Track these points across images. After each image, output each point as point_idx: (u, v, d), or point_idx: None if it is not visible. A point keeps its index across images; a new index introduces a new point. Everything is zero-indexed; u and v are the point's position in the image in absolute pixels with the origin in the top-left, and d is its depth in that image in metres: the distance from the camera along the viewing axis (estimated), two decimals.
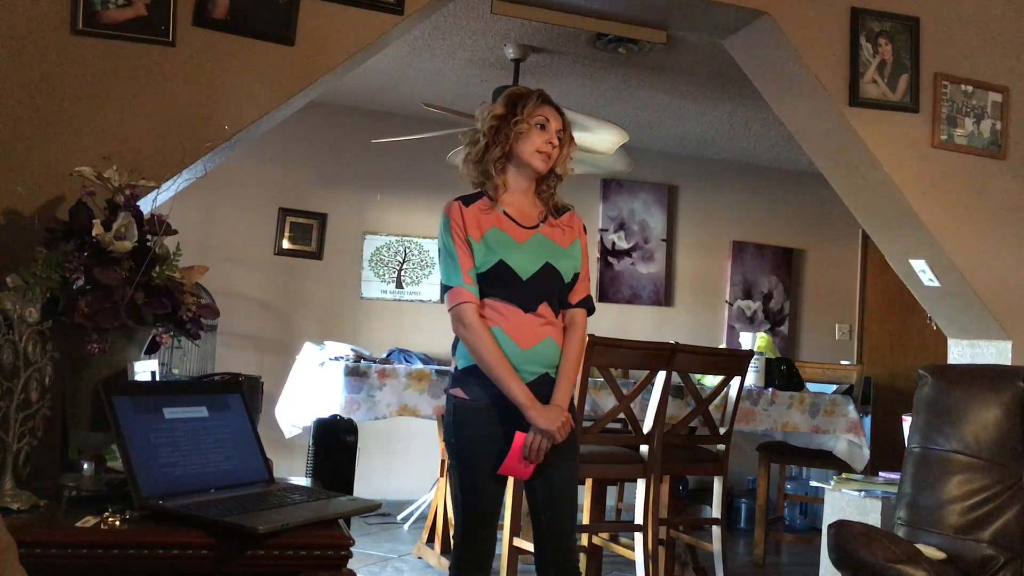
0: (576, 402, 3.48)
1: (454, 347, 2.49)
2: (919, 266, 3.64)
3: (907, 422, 2.64)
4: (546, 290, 2.40)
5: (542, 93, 2.48)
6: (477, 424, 2.40)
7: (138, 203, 2.12)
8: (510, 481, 3.01)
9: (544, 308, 2.40)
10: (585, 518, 4.08)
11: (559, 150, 2.45)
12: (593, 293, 2.92)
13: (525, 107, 2.42)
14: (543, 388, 2.40)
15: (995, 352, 3.62)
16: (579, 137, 3.96)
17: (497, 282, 2.38)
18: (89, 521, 1.63)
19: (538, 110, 2.43)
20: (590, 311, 2.52)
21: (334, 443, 2.57)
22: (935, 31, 3.50)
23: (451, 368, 3.90)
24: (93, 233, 1.96)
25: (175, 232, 2.11)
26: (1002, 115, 3.57)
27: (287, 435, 4.11)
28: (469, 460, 2.42)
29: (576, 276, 2.47)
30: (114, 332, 1.91)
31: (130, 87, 2.52)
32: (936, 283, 3.63)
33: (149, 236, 2.05)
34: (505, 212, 2.44)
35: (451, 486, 2.54)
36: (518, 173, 2.46)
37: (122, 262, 1.99)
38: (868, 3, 3.41)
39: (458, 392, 2.43)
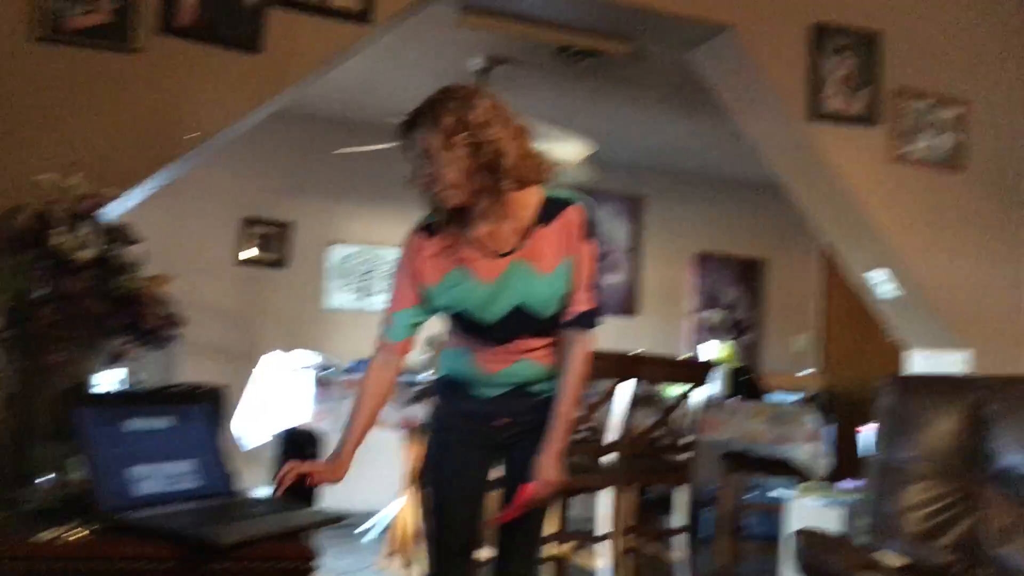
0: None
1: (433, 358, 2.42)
2: (879, 277, 3.70)
3: (864, 433, 2.68)
4: (517, 329, 2.11)
5: (402, 125, 2.06)
6: (449, 431, 2.24)
7: (101, 212, 2.10)
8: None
9: (518, 341, 2.12)
10: (550, 528, 4.08)
11: (439, 162, 1.98)
12: None
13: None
14: (518, 400, 2.17)
15: (952, 362, 3.68)
16: (545, 148, 3.96)
17: (462, 325, 2.16)
18: (50, 534, 1.61)
19: (408, 147, 2.05)
20: (592, 326, 2.13)
21: (297, 454, 2.55)
22: (896, 46, 3.56)
23: (417, 379, 3.90)
24: (55, 242, 1.94)
25: (138, 241, 2.09)
26: (961, 129, 3.64)
27: (250, 446, 4.07)
28: (435, 477, 2.25)
29: (565, 297, 2.10)
30: (76, 342, 1.89)
31: (93, 95, 2.49)
32: (895, 294, 3.69)
33: (112, 245, 2.03)
34: (474, 241, 2.09)
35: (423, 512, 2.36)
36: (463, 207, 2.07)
37: (85, 272, 1.96)
38: (830, 18, 3.47)
39: (436, 400, 2.33)
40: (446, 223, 2.09)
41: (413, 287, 2.13)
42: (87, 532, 1.62)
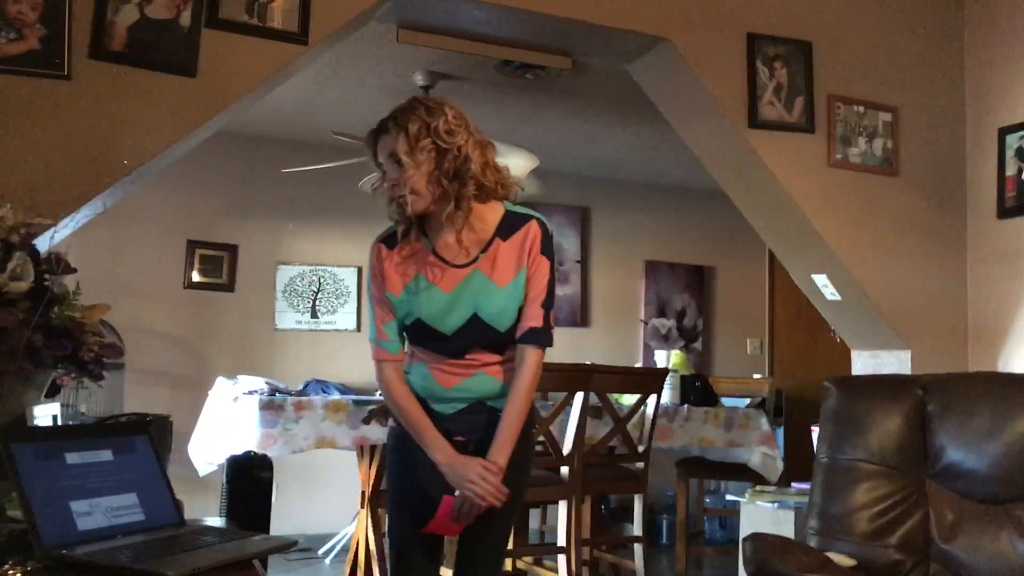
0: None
1: None
2: (821, 281, 3.77)
3: (817, 432, 2.72)
4: (474, 341, 2.13)
5: (370, 133, 2.13)
6: (406, 451, 2.20)
7: (34, 242, 2.05)
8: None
9: (474, 354, 2.14)
10: (508, 542, 4.07)
11: (407, 169, 2.03)
12: None
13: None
14: (477, 416, 2.16)
15: (895, 362, 3.76)
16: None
17: (419, 337, 2.17)
18: None
19: (375, 155, 2.12)
20: (542, 344, 2.16)
21: (248, 480, 2.52)
22: (827, 55, 3.64)
23: (369, 397, 3.87)
24: None
25: (74, 271, 2.05)
26: (892, 134, 3.73)
27: (202, 473, 4.01)
28: (396, 495, 2.24)
29: (520, 310, 2.13)
30: (11, 376, 1.85)
31: (24, 122, 2.45)
32: (837, 297, 3.76)
33: (47, 275, 1.99)
34: (433, 250, 2.14)
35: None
36: (425, 216, 2.14)
37: (18, 303, 1.92)
38: (763, 28, 3.53)
39: (391, 421, 2.29)
40: (406, 233, 2.13)
41: (384, 300, 2.16)
42: (29, 571, 1.58)
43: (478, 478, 2.07)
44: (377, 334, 2.19)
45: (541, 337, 2.15)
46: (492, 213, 2.14)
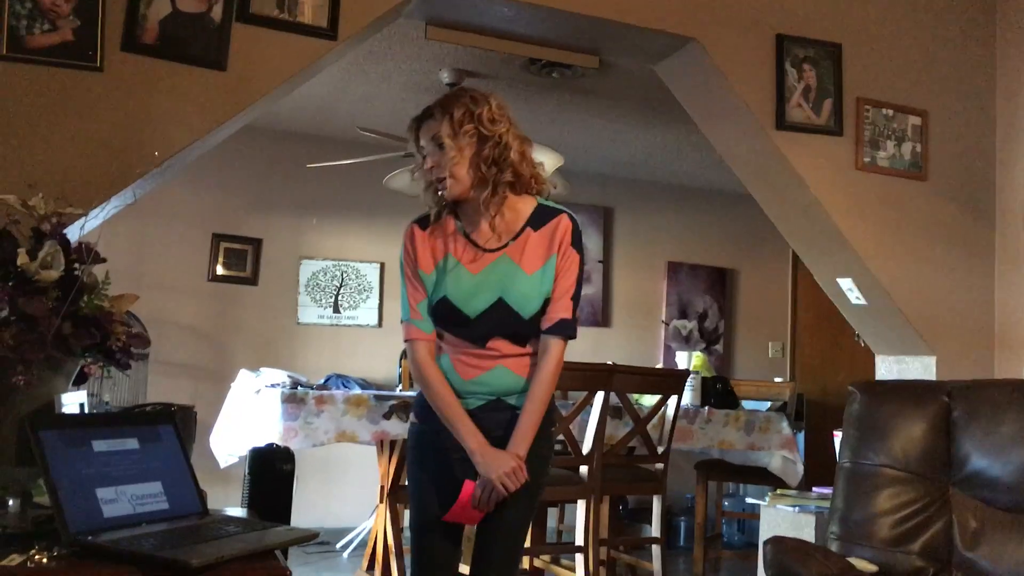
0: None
1: None
2: (846, 285, 3.74)
3: (839, 437, 2.70)
4: (497, 326, 2.15)
5: (414, 119, 2.21)
6: (426, 450, 2.23)
7: (65, 231, 2.08)
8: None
9: (496, 343, 2.16)
10: (526, 540, 4.08)
11: (448, 153, 2.10)
12: None
13: (414, 147, 2.21)
14: (497, 414, 2.18)
15: (920, 367, 3.72)
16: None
17: (443, 318, 2.18)
18: (15, 559, 1.58)
19: (416, 140, 2.18)
20: (567, 336, 2.19)
21: (270, 472, 2.54)
22: (856, 57, 3.62)
23: (390, 392, 3.89)
24: (18, 263, 1.92)
25: (104, 260, 2.07)
26: (922, 138, 3.70)
27: (223, 465, 4.04)
28: (416, 493, 2.26)
29: (547, 302, 2.17)
30: (40, 364, 1.87)
31: (57, 113, 2.47)
32: (863, 301, 3.73)
33: (76, 265, 2.01)
34: (465, 233, 2.20)
35: None
36: (460, 201, 2.19)
37: (48, 292, 1.94)
38: (792, 30, 3.51)
39: (413, 418, 2.31)
40: (439, 215, 2.19)
41: (417, 280, 2.20)
42: (55, 556, 1.60)
43: (512, 471, 2.10)
44: (411, 313, 2.21)
45: (569, 328, 2.19)
46: (524, 205, 2.20)
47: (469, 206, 2.17)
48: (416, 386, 2.30)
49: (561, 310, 2.17)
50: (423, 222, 2.22)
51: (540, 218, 2.19)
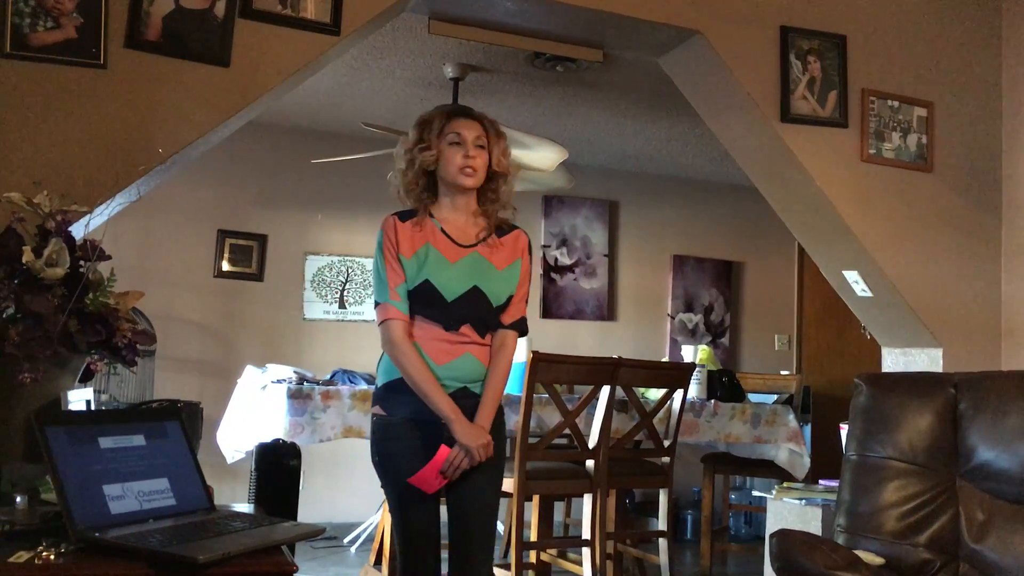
0: (521, 419, 3.49)
1: (377, 365, 2.47)
2: (852, 277, 3.73)
3: (845, 430, 2.70)
4: (471, 312, 2.39)
5: (452, 109, 2.49)
6: (396, 440, 2.40)
7: (70, 229, 2.08)
8: None
9: (467, 329, 2.40)
10: (533, 534, 4.08)
11: (484, 155, 2.43)
12: (536, 310, 2.94)
13: (431, 130, 2.43)
14: (464, 401, 2.39)
15: (927, 359, 3.72)
16: (519, 155, 3.98)
17: (422, 301, 2.37)
18: (23, 556, 1.59)
19: (448, 127, 2.42)
20: (522, 333, 2.51)
21: (277, 468, 2.55)
22: (861, 49, 3.60)
23: None
24: (23, 260, 1.92)
25: (109, 257, 2.08)
26: (927, 129, 3.69)
27: (230, 460, 4.05)
28: (394, 478, 2.40)
29: (510, 299, 2.46)
30: (46, 361, 1.87)
31: (60, 111, 2.47)
32: (869, 293, 3.72)
33: (82, 262, 2.01)
34: (442, 229, 2.43)
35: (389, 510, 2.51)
36: (451, 193, 2.45)
37: (54, 289, 1.95)
38: (796, 22, 3.50)
39: (377, 409, 2.44)
40: (415, 213, 2.46)
41: (397, 264, 2.39)
42: (63, 552, 1.61)
43: (486, 444, 2.35)
44: (390, 294, 2.38)
45: (525, 326, 2.54)
46: (495, 218, 2.51)
47: (445, 207, 2.46)
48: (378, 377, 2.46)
49: (521, 310, 2.51)
50: (403, 215, 2.46)
51: (504, 230, 2.51)
